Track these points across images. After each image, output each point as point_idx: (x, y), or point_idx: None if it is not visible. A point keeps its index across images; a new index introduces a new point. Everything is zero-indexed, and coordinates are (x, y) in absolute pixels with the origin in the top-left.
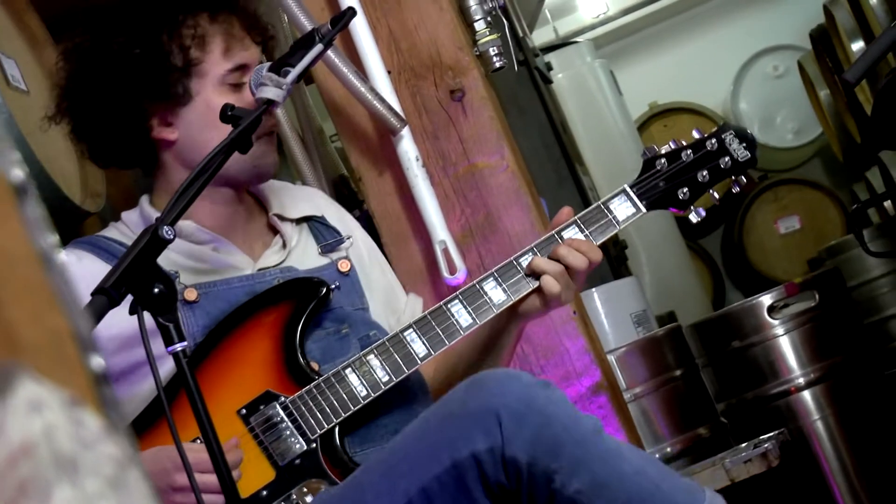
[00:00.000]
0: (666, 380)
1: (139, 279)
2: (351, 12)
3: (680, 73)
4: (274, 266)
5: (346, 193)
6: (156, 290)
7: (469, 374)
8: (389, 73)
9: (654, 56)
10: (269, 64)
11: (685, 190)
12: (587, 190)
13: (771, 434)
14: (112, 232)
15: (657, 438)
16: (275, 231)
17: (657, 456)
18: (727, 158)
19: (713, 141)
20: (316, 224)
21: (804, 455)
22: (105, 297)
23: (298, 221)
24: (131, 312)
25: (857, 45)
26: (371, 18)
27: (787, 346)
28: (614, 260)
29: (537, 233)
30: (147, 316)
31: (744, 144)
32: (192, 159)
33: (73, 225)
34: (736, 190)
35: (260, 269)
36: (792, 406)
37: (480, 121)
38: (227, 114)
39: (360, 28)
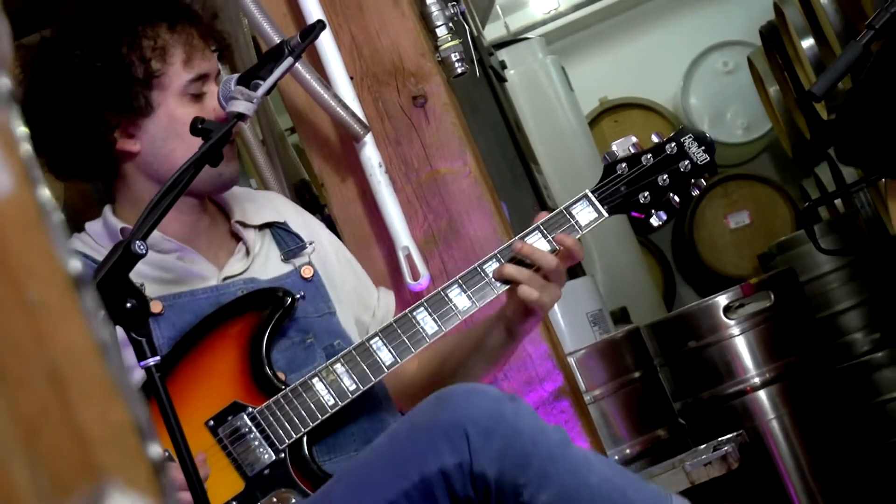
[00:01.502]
0: (625, 382)
1: (111, 294)
2: (320, 25)
3: (630, 69)
4: (238, 275)
5: (308, 198)
6: (128, 304)
7: (458, 372)
8: (352, 79)
9: (604, 52)
10: (237, 76)
11: (646, 194)
12: (542, 189)
13: (729, 436)
14: (75, 243)
15: (616, 440)
16: (238, 238)
17: (616, 458)
18: (686, 162)
19: (672, 145)
20: (278, 230)
21: (760, 454)
22: None
23: (261, 228)
24: None
25: (808, 43)
26: (333, 24)
27: (742, 346)
28: None
29: (499, 238)
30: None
31: (703, 148)
32: (156, 170)
33: None
34: (695, 193)
35: (225, 278)
36: (748, 406)
37: (443, 127)
38: (198, 126)
39: (322, 34)
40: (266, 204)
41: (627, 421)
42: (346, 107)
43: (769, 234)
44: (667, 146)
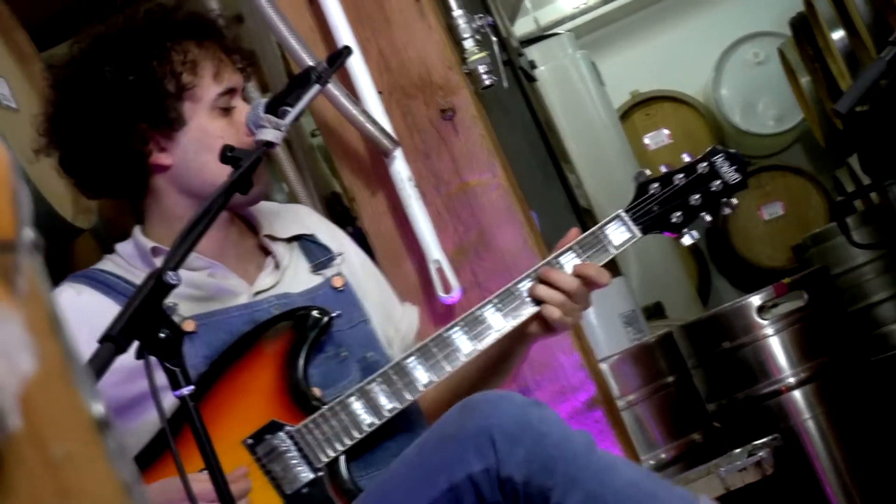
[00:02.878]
0: (659, 386)
1: (145, 325)
2: (346, 51)
3: (661, 62)
4: (269, 289)
5: (340, 210)
6: (161, 334)
7: (477, 388)
8: (380, 93)
9: (634, 44)
10: (265, 102)
11: (678, 214)
12: (573, 188)
13: (764, 440)
14: (107, 265)
15: (651, 445)
16: (266, 252)
17: (652, 463)
18: (718, 181)
19: (704, 164)
20: (307, 242)
21: (796, 455)
22: (112, 345)
23: (289, 241)
24: (138, 357)
25: (838, 35)
26: (360, 38)
27: (777, 346)
28: None
29: (530, 248)
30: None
31: (734, 167)
32: (188, 183)
33: (64, 243)
34: (727, 212)
35: (256, 293)
36: (783, 406)
37: (471, 139)
38: (227, 155)
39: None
40: (293, 217)
41: (662, 425)
42: (374, 122)
43: (803, 225)
44: (698, 166)
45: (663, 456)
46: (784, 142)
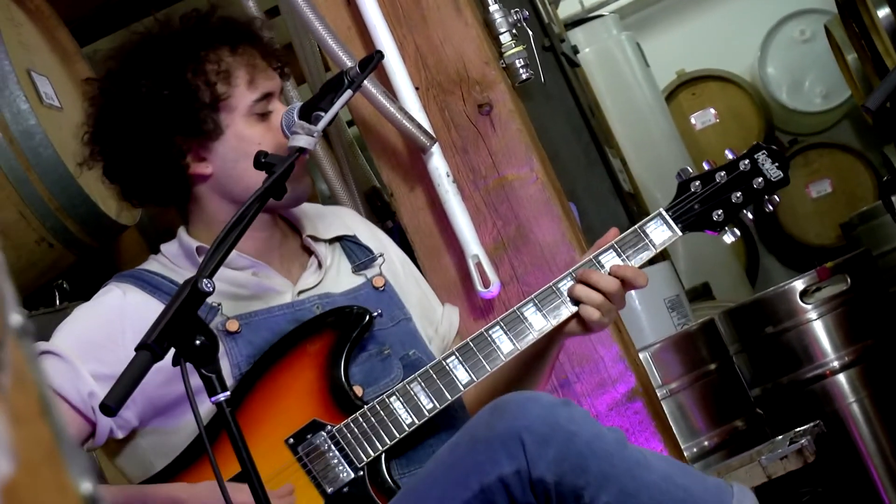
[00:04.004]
0: (701, 374)
1: (181, 332)
2: (378, 55)
3: (706, 41)
4: (312, 288)
5: (379, 205)
6: (197, 342)
7: (513, 389)
8: (417, 89)
9: (680, 24)
10: (300, 106)
11: (720, 212)
12: (617, 172)
13: (806, 427)
14: (153, 265)
15: (694, 433)
16: (309, 252)
17: (695, 450)
18: (760, 179)
19: (746, 162)
20: (348, 243)
21: (841, 438)
22: (149, 353)
23: (331, 241)
24: (174, 364)
25: (883, 12)
26: (397, 36)
27: (820, 330)
28: None
29: (568, 242)
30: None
31: (776, 164)
32: (229, 190)
33: (109, 239)
34: (769, 209)
35: (300, 292)
36: (827, 390)
37: (509, 133)
38: (261, 161)
39: (386, 45)
40: (335, 219)
41: (704, 413)
42: (412, 119)
43: (851, 202)
44: (740, 163)
45: (706, 443)
46: (831, 119)
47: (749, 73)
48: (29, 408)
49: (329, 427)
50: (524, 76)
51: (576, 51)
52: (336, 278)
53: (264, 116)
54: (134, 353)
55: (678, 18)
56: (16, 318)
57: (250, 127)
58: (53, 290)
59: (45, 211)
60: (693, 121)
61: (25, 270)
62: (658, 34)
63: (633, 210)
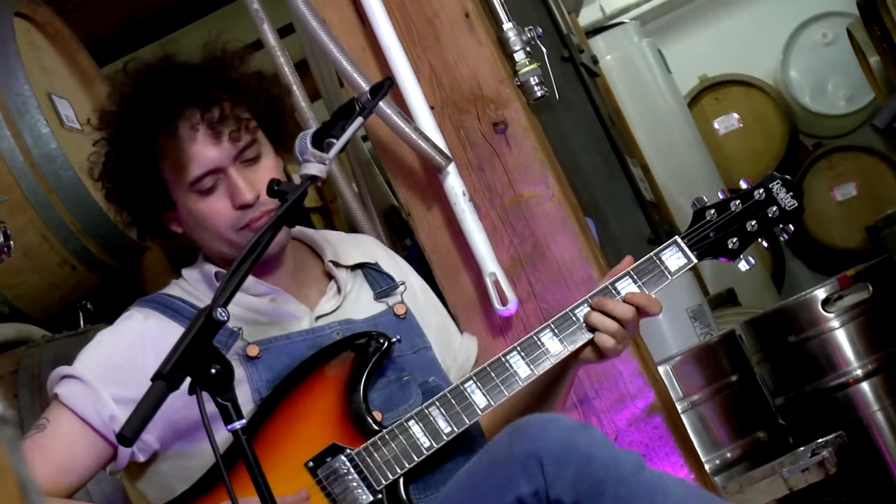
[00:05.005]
0: (722, 386)
1: (196, 361)
2: (389, 82)
3: (728, 45)
4: (331, 313)
5: (398, 223)
6: (213, 370)
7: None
8: (432, 108)
9: (702, 28)
10: (312, 132)
11: (734, 240)
12: (638, 181)
13: (827, 438)
14: (174, 290)
15: (716, 445)
16: (330, 277)
17: (716, 462)
18: (775, 208)
19: (761, 191)
20: (370, 270)
21: (865, 446)
22: (164, 383)
23: (353, 268)
24: (190, 393)
25: None
26: (412, 56)
27: (843, 339)
28: None
29: (585, 258)
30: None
31: (791, 193)
32: (200, 246)
33: (132, 259)
34: (784, 238)
35: (318, 317)
36: (851, 398)
37: (524, 151)
38: (274, 189)
39: (401, 65)
40: (356, 246)
41: (726, 425)
42: (427, 139)
43: (877, 204)
44: (755, 192)
45: (728, 455)
46: (855, 122)
47: (772, 77)
48: (11, 497)
49: (348, 451)
50: (539, 93)
51: (595, 60)
52: (356, 305)
53: (210, 190)
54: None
55: (699, 23)
56: None
57: (196, 203)
58: (78, 312)
59: (68, 233)
60: (716, 125)
61: (48, 293)
62: (679, 39)
63: (656, 219)
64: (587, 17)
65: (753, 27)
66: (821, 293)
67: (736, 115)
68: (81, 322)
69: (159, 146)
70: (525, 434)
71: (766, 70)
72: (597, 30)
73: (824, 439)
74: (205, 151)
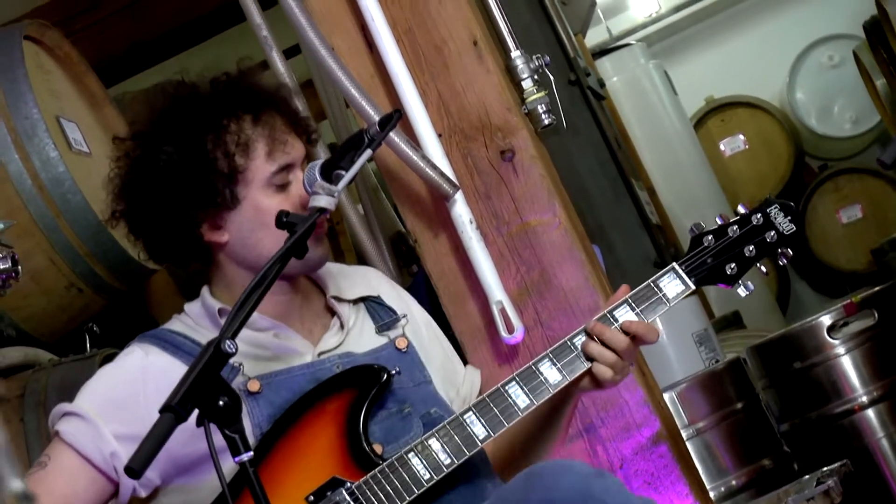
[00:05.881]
0: (728, 413)
1: (204, 393)
2: (397, 115)
3: (735, 67)
4: (333, 349)
5: (405, 250)
6: (220, 402)
7: (527, 448)
8: (440, 136)
9: (708, 51)
10: (321, 164)
11: (733, 265)
12: (644, 205)
13: (833, 467)
14: (176, 325)
15: (721, 472)
16: (332, 312)
17: (721, 490)
18: (773, 232)
19: (758, 216)
20: (372, 304)
21: (870, 473)
22: (172, 415)
23: (355, 302)
24: (198, 425)
25: None
26: (420, 83)
27: (848, 366)
28: None
29: (591, 286)
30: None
31: (788, 217)
32: (244, 257)
33: (139, 283)
34: (782, 262)
35: (320, 353)
36: (856, 425)
37: (531, 179)
38: (283, 220)
39: (409, 93)
40: (359, 279)
41: (731, 452)
42: (435, 167)
43: (883, 227)
44: (753, 217)
45: (734, 483)
46: (861, 144)
47: (778, 99)
48: None
49: (349, 484)
50: (546, 121)
51: (601, 84)
52: (358, 338)
53: (283, 187)
54: (157, 414)
55: (706, 45)
56: (16, 483)
57: (268, 198)
58: (84, 335)
59: (75, 257)
60: (722, 147)
61: (55, 315)
62: (686, 61)
63: (661, 243)
64: (593, 38)
65: (760, 49)
66: (826, 319)
67: (742, 137)
68: (88, 345)
69: (233, 136)
70: (540, 481)
71: (773, 92)
72: (603, 51)
73: (829, 468)
74: (291, 144)
